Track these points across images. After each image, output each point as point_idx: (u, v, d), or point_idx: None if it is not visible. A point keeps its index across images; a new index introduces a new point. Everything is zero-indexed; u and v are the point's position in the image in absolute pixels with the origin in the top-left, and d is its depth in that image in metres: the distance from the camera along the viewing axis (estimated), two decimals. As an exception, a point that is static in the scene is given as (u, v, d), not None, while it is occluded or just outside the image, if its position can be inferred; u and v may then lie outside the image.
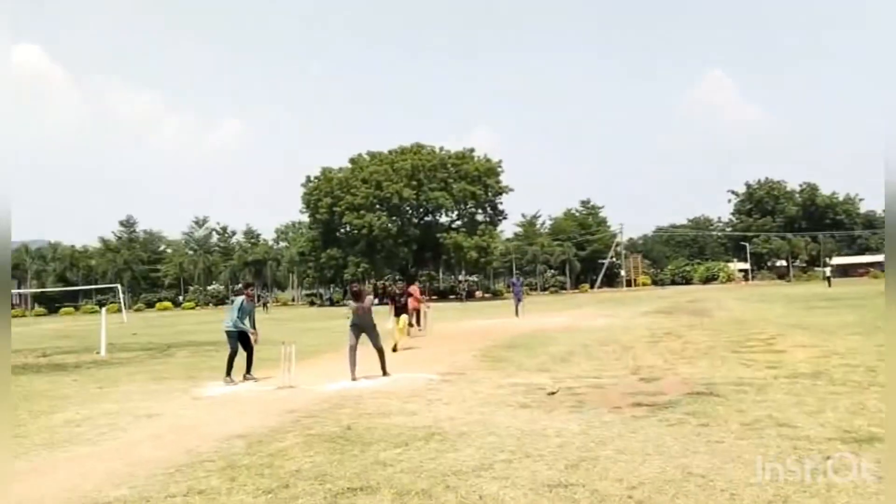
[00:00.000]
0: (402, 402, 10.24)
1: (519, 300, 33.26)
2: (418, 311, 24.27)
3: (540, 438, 7.49)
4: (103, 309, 26.47)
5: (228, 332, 13.52)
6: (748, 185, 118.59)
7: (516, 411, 9.17)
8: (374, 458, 6.89)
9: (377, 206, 78.50)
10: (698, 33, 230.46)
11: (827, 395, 9.17)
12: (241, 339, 13.54)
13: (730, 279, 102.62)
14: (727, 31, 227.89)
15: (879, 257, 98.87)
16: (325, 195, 78.56)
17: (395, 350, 16.70)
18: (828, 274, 62.59)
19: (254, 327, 13.82)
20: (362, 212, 76.66)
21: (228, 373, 13.24)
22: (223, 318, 14.07)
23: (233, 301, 14.16)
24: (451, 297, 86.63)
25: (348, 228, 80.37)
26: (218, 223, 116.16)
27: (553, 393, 10.46)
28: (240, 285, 73.82)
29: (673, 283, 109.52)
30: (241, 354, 13.51)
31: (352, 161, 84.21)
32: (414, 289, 25.54)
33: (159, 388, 13.01)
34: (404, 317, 19.63)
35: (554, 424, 8.20)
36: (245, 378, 13.35)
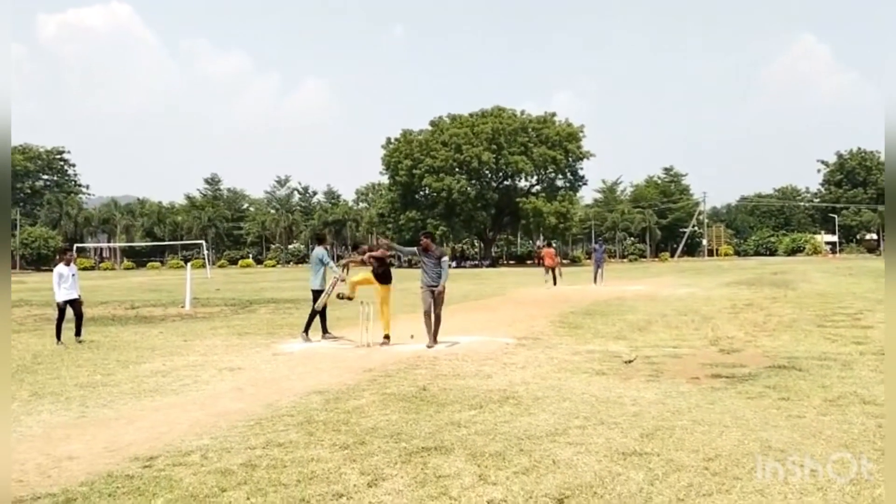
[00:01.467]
0: (478, 365, 10.29)
1: (598, 267, 32.81)
2: (554, 270, 30.84)
3: (615, 406, 7.44)
4: (188, 264, 27.33)
5: (314, 291, 13.75)
6: (839, 155, 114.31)
7: (592, 378, 9.12)
8: (449, 419, 6.95)
9: (457, 170, 78.62)
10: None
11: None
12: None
13: (816, 251, 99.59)
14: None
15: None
16: (405, 157, 79.01)
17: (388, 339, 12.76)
18: None
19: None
20: (442, 175, 76.91)
21: (307, 330, 13.48)
22: (309, 277, 14.20)
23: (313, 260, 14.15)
24: (529, 262, 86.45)
25: (427, 191, 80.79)
26: (299, 183, 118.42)
27: (630, 361, 10.36)
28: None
29: (757, 254, 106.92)
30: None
31: (432, 124, 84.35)
32: (549, 251, 32.28)
33: (241, 343, 13.38)
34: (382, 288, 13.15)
35: (629, 393, 8.13)
36: (323, 337, 13.57)
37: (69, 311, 13.83)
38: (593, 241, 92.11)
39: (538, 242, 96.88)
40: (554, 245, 54.23)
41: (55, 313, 13.91)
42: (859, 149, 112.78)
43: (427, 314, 12.40)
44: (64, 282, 13.73)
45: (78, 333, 13.79)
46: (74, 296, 13.84)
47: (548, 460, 5.59)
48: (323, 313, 13.84)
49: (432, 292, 12.25)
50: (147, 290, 33.51)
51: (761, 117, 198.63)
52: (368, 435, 6.42)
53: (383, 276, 13.05)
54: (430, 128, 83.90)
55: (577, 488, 4.93)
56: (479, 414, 7.18)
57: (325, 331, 13.74)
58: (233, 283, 42.64)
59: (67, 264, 14.00)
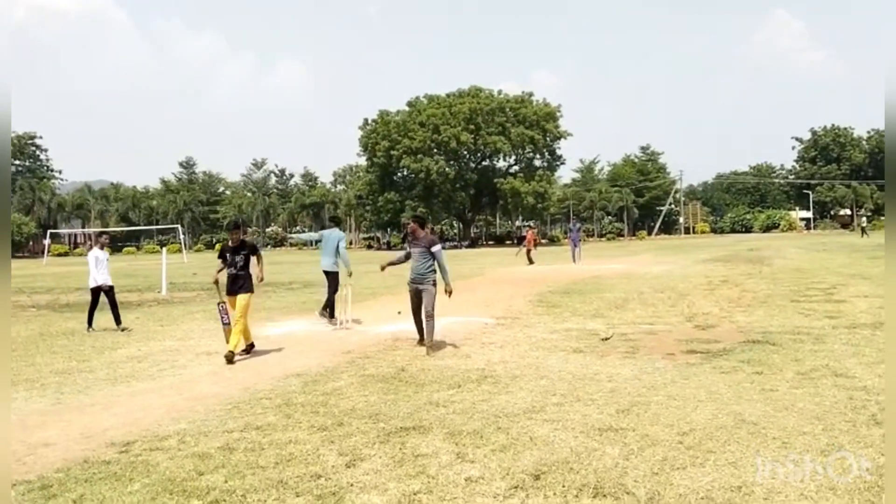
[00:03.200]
0: (457, 345, 10.31)
1: (576, 246, 32.81)
2: (530, 251, 33.97)
3: (592, 383, 7.49)
4: (164, 249, 27.00)
5: (328, 272, 13.42)
6: (813, 132, 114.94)
7: (569, 356, 9.18)
8: (427, 399, 6.98)
9: (434, 150, 78.36)
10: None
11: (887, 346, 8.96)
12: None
13: (791, 227, 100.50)
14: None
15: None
16: (382, 138, 78.60)
17: (230, 360, 9.49)
18: (862, 224, 58.55)
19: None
20: (420, 155, 76.59)
21: (330, 314, 13.24)
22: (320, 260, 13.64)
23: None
24: (507, 242, 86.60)
25: (406, 172, 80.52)
26: (276, 165, 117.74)
27: (607, 339, 10.44)
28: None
29: (733, 231, 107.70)
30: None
31: (409, 104, 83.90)
32: (531, 233, 36.63)
33: (217, 327, 13.26)
34: (242, 298, 10.24)
35: (606, 370, 8.19)
36: (321, 315, 13.32)
37: (103, 298, 13.65)
38: (570, 220, 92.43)
39: (527, 224, 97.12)
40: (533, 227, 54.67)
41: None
42: (833, 125, 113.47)
43: (415, 314, 10.32)
44: (100, 265, 13.60)
45: (118, 321, 13.51)
46: (108, 281, 13.67)
47: (525, 437, 5.63)
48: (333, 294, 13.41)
49: (417, 290, 10.09)
50: (123, 276, 33.20)
51: (739, 95, 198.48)
52: (347, 416, 6.43)
53: (238, 284, 10.31)
54: (407, 108, 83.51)
55: (554, 464, 4.97)
56: (458, 393, 7.22)
57: (326, 309, 13.40)
58: (209, 267, 42.20)
59: (102, 248, 13.86)
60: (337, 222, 14.81)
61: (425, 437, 5.73)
